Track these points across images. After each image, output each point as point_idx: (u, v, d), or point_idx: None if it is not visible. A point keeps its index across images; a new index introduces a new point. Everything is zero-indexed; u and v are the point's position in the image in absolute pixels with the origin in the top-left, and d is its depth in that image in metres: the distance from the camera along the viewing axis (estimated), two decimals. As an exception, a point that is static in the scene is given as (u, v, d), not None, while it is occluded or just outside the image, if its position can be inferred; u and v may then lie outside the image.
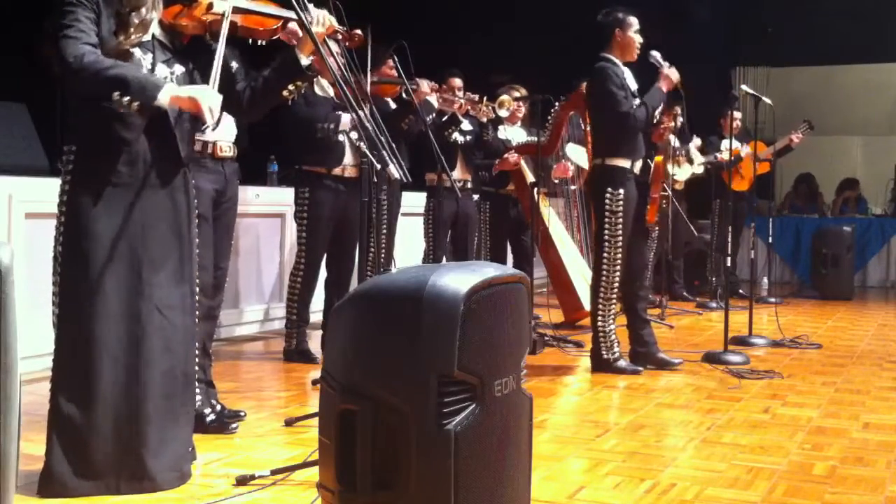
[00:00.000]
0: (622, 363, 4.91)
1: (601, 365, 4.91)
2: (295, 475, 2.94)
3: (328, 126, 4.75)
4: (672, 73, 4.89)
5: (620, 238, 4.81)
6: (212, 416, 3.55)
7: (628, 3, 4.96)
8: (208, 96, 2.66)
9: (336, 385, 2.02)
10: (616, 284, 4.87)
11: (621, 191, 4.79)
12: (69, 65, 2.59)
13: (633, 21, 4.87)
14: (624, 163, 4.83)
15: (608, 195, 4.79)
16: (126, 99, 2.60)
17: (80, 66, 2.58)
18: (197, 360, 3.52)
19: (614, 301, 4.90)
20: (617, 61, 4.87)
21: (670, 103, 5.25)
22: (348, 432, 1.98)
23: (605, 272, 4.84)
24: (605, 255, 4.82)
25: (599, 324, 4.90)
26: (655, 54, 4.92)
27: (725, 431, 3.69)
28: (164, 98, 2.63)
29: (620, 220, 4.80)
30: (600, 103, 4.89)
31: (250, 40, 2.97)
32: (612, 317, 4.92)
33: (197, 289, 2.98)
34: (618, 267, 4.84)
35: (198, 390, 3.59)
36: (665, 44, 5.09)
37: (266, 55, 3.06)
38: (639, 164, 4.94)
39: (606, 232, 4.81)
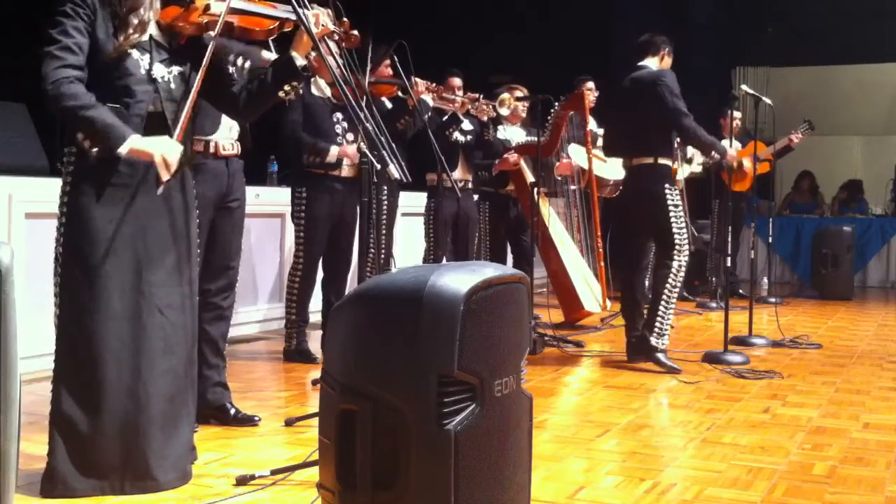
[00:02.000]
0: (663, 357, 4.94)
1: (645, 349, 4.95)
2: (295, 475, 2.94)
3: (314, 160, 4.77)
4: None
5: (685, 228, 5.04)
6: (234, 410, 3.61)
7: (630, 2, 4.98)
8: (167, 149, 2.64)
9: (336, 385, 2.03)
10: (684, 272, 5.02)
11: (675, 187, 5.04)
12: (46, 88, 2.61)
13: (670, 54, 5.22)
14: (670, 162, 5.10)
15: (667, 190, 4.98)
16: (87, 143, 2.67)
17: (56, 94, 2.61)
18: (211, 360, 3.55)
19: (678, 289, 5.03)
20: None
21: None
22: (348, 432, 1.99)
23: (676, 259, 4.96)
24: (678, 244, 4.96)
25: (661, 308, 4.96)
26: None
27: (725, 431, 3.69)
28: (124, 150, 2.62)
29: (682, 212, 5.04)
30: (667, 104, 4.98)
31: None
32: (673, 305, 5.02)
33: (196, 288, 2.98)
34: (687, 255, 5.00)
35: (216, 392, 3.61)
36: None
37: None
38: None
39: (674, 224, 4.98)
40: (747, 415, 3.99)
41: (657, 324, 4.96)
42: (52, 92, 2.60)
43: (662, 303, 4.96)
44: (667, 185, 5.00)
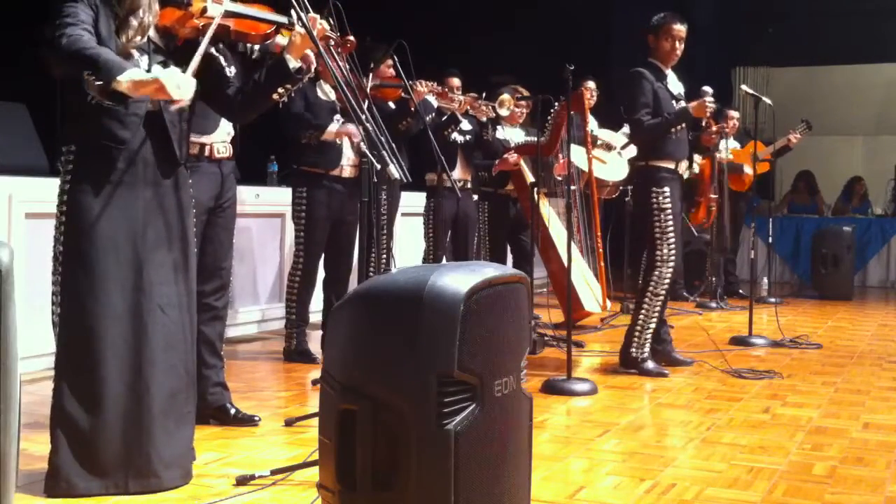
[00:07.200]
0: (650, 364, 4.87)
1: (628, 362, 4.90)
2: (295, 475, 2.94)
3: (312, 133, 4.78)
4: (707, 107, 4.89)
5: (672, 234, 4.84)
6: (234, 410, 3.61)
7: (631, 3, 4.96)
8: (173, 76, 2.58)
9: (336, 385, 2.02)
10: (667, 281, 4.87)
11: (666, 189, 4.84)
12: (57, 42, 2.55)
13: (668, 27, 4.90)
14: (667, 164, 4.88)
15: (654, 193, 4.83)
16: (92, 78, 2.58)
17: (65, 43, 2.55)
18: (209, 360, 3.55)
19: (661, 298, 4.88)
20: (659, 66, 4.93)
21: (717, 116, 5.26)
22: (348, 432, 1.98)
23: (658, 268, 4.83)
24: (658, 252, 4.82)
25: (641, 318, 4.86)
26: (707, 89, 4.99)
27: (725, 431, 3.69)
28: (124, 79, 2.53)
29: (670, 217, 4.83)
30: (624, 107, 4.93)
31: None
32: (655, 315, 4.89)
33: (194, 287, 2.98)
34: (671, 263, 4.84)
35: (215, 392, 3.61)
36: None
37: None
38: (684, 165, 5.01)
39: (657, 229, 4.83)
40: (747, 415, 3.99)
41: (636, 335, 4.88)
42: (61, 41, 2.55)
43: (642, 314, 4.86)
44: (654, 189, 4.83)
